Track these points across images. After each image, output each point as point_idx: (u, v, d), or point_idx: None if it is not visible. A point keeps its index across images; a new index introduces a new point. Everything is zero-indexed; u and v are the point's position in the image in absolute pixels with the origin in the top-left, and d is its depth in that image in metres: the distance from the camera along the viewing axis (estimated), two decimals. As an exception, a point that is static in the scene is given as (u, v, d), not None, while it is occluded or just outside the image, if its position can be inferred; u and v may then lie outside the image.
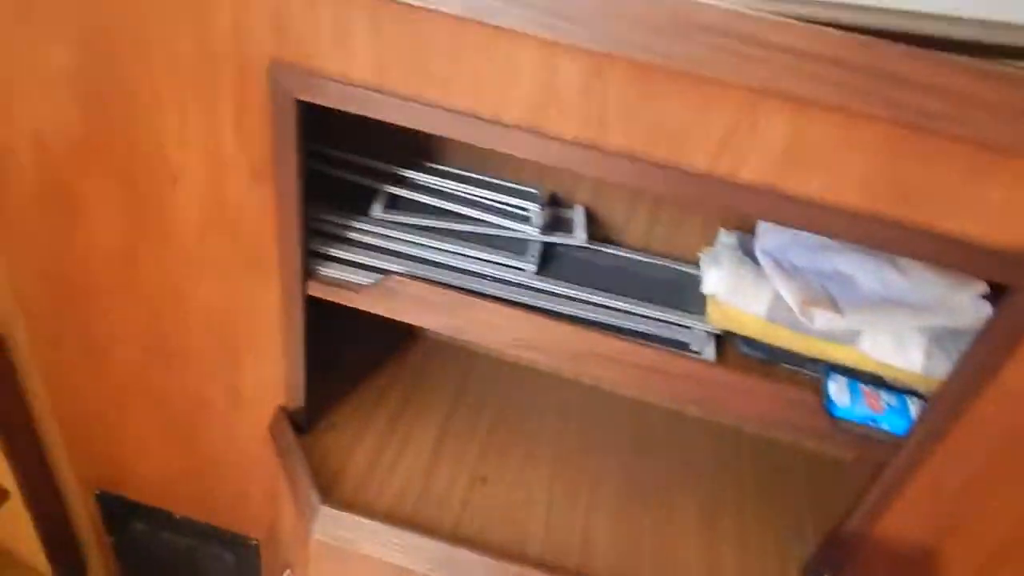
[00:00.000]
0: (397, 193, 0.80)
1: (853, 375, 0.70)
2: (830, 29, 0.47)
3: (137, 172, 0.71)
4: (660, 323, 0.74)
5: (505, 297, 0.73)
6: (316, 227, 0.75)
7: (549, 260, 0.79)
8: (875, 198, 0.54)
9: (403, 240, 0.76)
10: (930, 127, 0.49)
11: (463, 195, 0.81)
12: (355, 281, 0.73)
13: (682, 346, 0.73)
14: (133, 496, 1.06)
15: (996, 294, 0.63)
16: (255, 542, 1.06)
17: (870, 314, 0.67)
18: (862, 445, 0.68)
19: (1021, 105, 0.47)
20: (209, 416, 0.91)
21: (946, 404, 0.63)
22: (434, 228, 0.77)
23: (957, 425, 0.64)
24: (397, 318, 0.73)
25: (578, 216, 0.84)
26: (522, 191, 0.82)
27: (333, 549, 0.75)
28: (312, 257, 0.73)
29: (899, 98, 0.48)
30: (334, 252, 0.75)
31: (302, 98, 0.60)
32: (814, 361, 0.71)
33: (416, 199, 0.80)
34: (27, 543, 1.08)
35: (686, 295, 0.78)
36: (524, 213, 0.80)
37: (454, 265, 0.75)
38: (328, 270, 0.74)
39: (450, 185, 0.81)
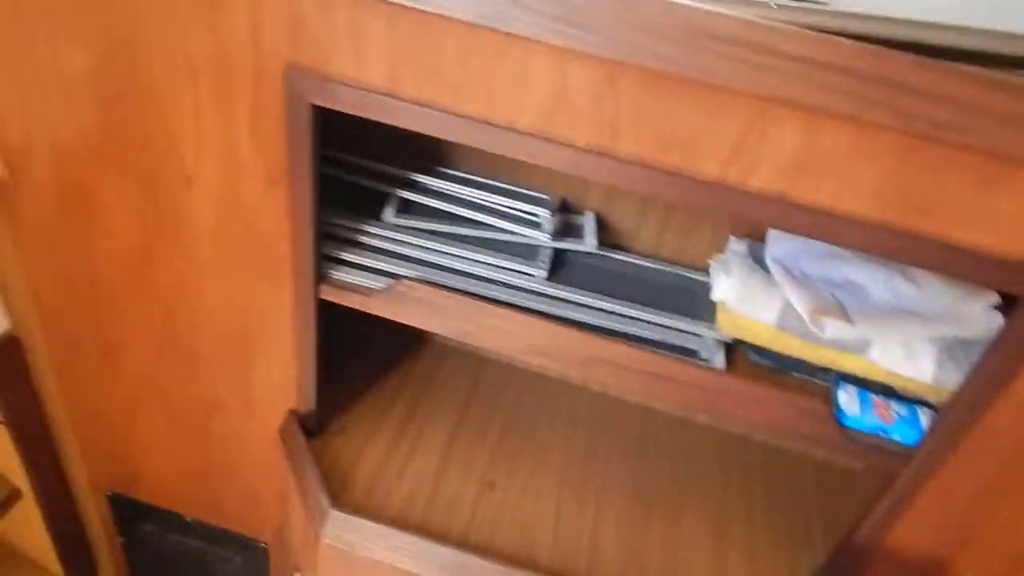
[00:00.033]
0: (409, 198, 0.81)
1: (863, 384, 0.70)
2: (840, 38, 0.48)
3: (153, 174, 0.72)
4: (669, 330, 0.74)
5: (515, 303, 0.74)
6: (329, 231, 0.76)
7: (559, 266, 0.80)
8: (885, 207, 0.54)
9: (414, 245, 0.77)
10: (940, 137, 0.49)
11: (474, 200, 0.81)
12: (367, 285, 0.74)
13: (691, 354, 0.73)
14: (144, 497, 1.07)
15: (1008, 305, 0.63)
16: (264, 545, 1.06)
17: (880, 323, 0.67)
18: (872, 455, 0.68)
19: (1031, 115, 0.47)
20: (220, 418, 0.91)
21: (957, 414, 0.63)
22: (445, 233, 0.78)
23: (969, 436, 0.63)
24: (407, 323, 0.74)
25: (588, 222, 0.84)
26: (533, 197, 0.83)
27: (342, 553, 0.76)
28: (324, 261, 0.74)
29: (909, 107, 0.48)
30: (346, 256, 0.75)
31: (317, 103, 0.61)
32: (824, 370, 0.71)
33: (428, 204, 0.81)
34: (38, 543, 1.09)
35: (696, 302, 0.78)
36: (535, 219, 0.80)
37: (465, 270, 0.76)
38: (340, 274, 0.74)
39: (462, 190, 0.82)
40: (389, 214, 0.79)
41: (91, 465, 1.06)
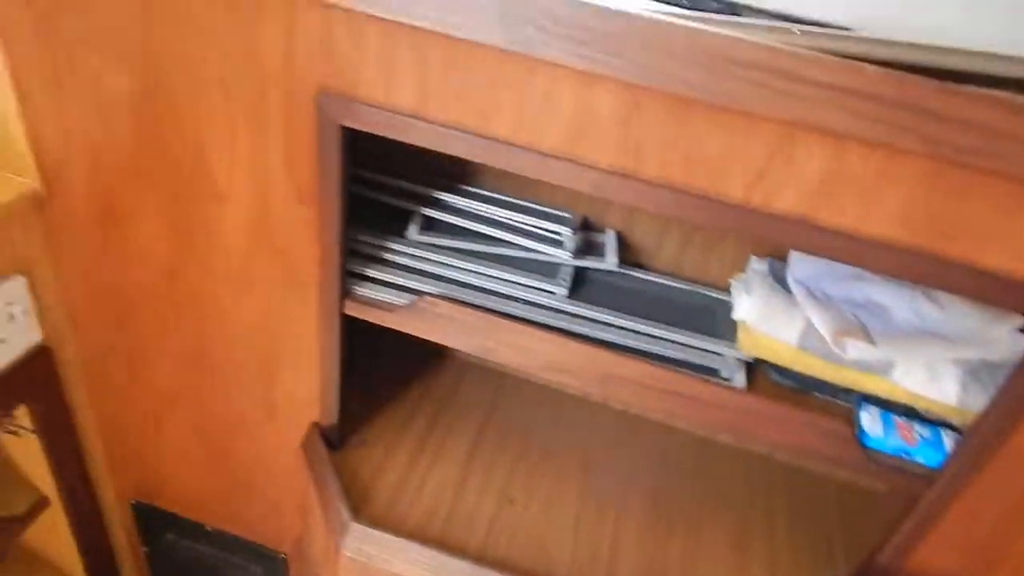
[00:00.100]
0: (432, 215, 0.82)
1: (886, 406, 0.70)
2: (864, 64, 0.48)
3: (185, 192, 0.74)
4: (690, 349, 0.74)
5: (536, 320, 0.74)
6: (354, 248, 0.77)
7: (580, 284, 0.80)
8: (911, 231, 0.54)
9: (437, 262, 0.78)
10: (965, 162, 0.50)
11: (497, 218, 0.82)
12: (390, 301, 0.75)
13: (712, 373, 0.73)
14: (167, 507, 1.09)
15: (1033, 328, 0.62)
16: (284, 556, 1.07)
17: (904, 345, 0.67)
18: (895, 477, 0.68)
19: (1057, 141, 0.47)
20: (244, 431, 0.93)
21: (982, 437, 0.62)
22: (468, 250, 0.79)
23: (994, 459, 0.63)
24: (429, 339, 0.75)
25: (610, 240, 0.85)
26: (555, 215, 0.84)
27: (362, 565, 0.76)
28: (349, 277, 0.75)
29: (933, 133, 0.49)
30: (370, 272, 0.76)
31: (346, 124, 0.63)
32: (846, 391, 0.71)
33: (451, 221, 0.82)
34: (64, 551, 1.10)
35: (717, 321, 0.78)
36: (556, 237, 0.81)
37: (487, 287, 0.77)
38: (364, 290, 0.76)
39: (484, 208, 0.83)
40: (413, 231, 0.80)
41: (117, 474, 1.07)
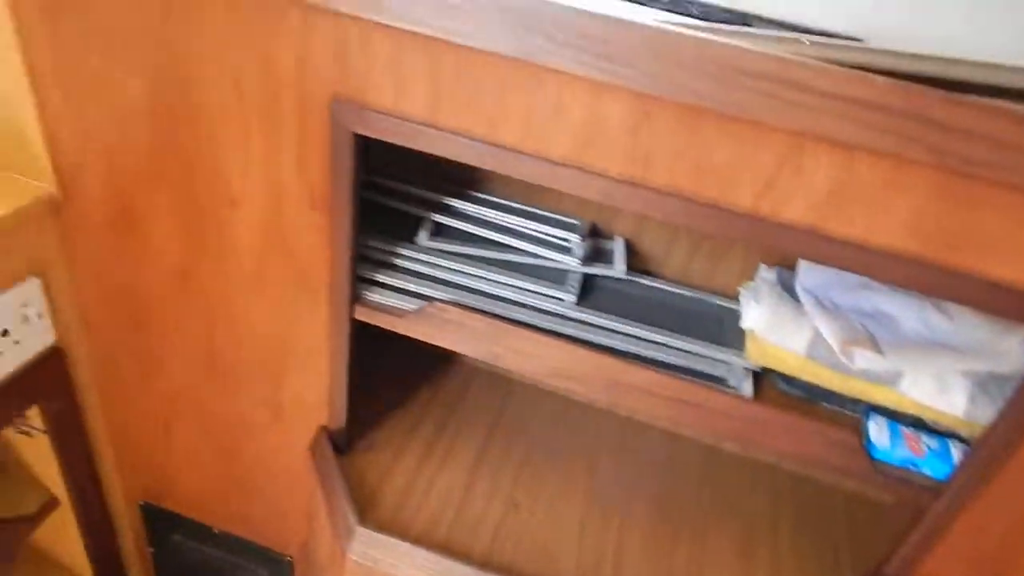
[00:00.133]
0: (442, 221, 0.83)
1: (894, 417, 0.70)
2: (873, 75, 0.49)
3: (199, 196, 0.74)
4: (697, 357, 0.74)
5: (544, 326, 0.75)
6: (364, 253, 0.78)
7: (588, 290, 0.81)
8: (919, 242, 0.55)
9: (447, 268, 0.78)
10: (973, 173, 0.50)
11: (506, 225, 0.83)
12: (400, 307, 0.76)
13: (719, 381, 0.73)
14: (175, 508, 1.09)
15: (1042, 339, 0.62)
16: (289, 559, 1.07)
17: (912, 355, 0.67)
18: (902, 488, 0.67)
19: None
20: (253, 433, 0.93)
21: (990, 450, 0.62)
22: (477, 256, 0.80)
23: (1002, 471, 0.63)
24: (438, 344, 0.75)
25: (618, 248, 0.85)
26: (563, 222, 0.84)
27: (368, 570, 0.77)
28: (359, 282, 0.76)
29: (942, 144, 0.49)
30: (380, 277, 0.77)
31: (359, 131, 0.63)
32: (854, 401, 0.71)
33: (461, 227, 0.82)
34: (72, 551, 1.11)
35: (725, 330, 0.78)
36: (565, 244, 0.81)
37: (495, 293, 0.77)
38: (374, 295, 0.76)
39: (494, 214, 0.83)
40: (423, 237, 0.80)
41: (126, 475, 1.08)
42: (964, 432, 0.67)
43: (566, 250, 0.80)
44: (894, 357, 0.66)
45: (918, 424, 0.69)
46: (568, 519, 0.86)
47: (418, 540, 0.78)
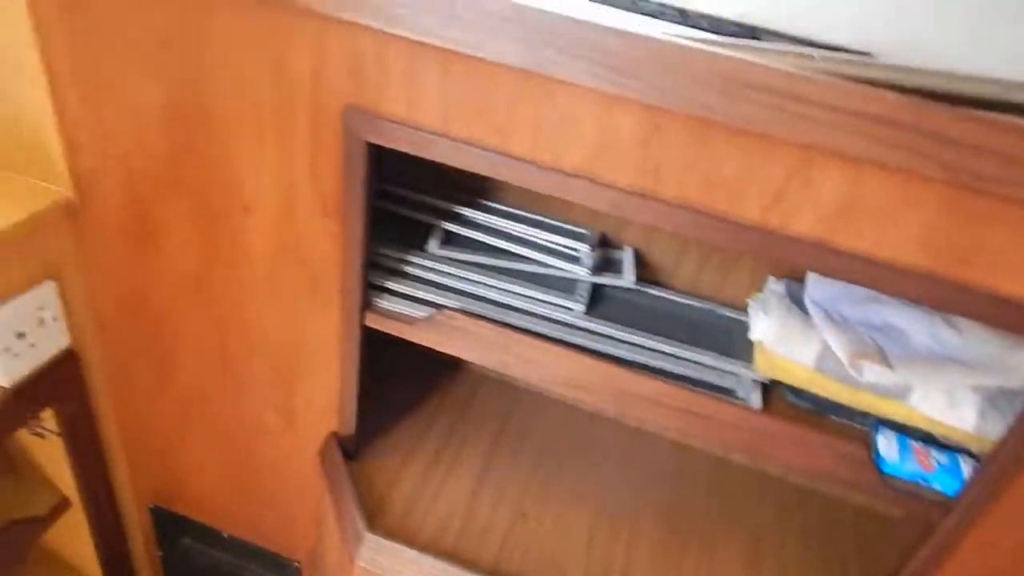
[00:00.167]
0: (453, 230, 0.83)
1: (903, 431, 0.69)
2: (883, 91, 0.49)
3: (213, 202, 0.75)
4: (706, 368, 0.75)
5: (553, 335, 0.75)
6: (375, 260, 0.79)
7: (597, 300, 0.81)
8: (929, 256, 0.55)
9: (457, 276, 0.79)
10: (984, 188, 0.50)
11: (516, 234, 0.83)
12: (410, 314, 0.76)
13: (728, 393, 0.73)
14: (184, 512, 1.10)
15: (1054, 355, 0.62)
16: (297, 564, 1.08)
17: (921, 369, 0.66)
18: (911, 503, 0.67)
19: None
20: (263, 438, 0.94)
21: (1000, 465, 0.62)
22: (487, 265, 0.80)
23: (1012, 487, 0.62)
24: (448, 352, 0.75)
25: (627, 258, 0.86)
26: (573, 231, 0.85)
27: (375, 576, 0.77)
28: (370, 289, 0.77)
29: (951, 159, 0.49)
30: (391, 285, 0.78)
31: (372, 140, 0.64)
32: (863, 414, 0.70)
33: (471, 236, 0.83)
34: (83, 553, 1.12)
35: (733, 341, 0.78)
36: (575, 253, 0.82)
37: (505, 302, 0.78)
38: (385, 302, 0.77)
39: (504, 223, 0.84)
40: (433, 245, 0.81)
41: (137, 478, 1.09)
42: (974, 447, 0.67)
43: (575, 260, 0.81)
44: (903, 371, 0.66)
45: (928, 439, 0.69)
46: (576, 529, 0.86)
47: (426, 547, 0.78)
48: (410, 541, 0.78)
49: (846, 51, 0.56)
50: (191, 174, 0.74)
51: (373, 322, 0.76)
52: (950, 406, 0.65)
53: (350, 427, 0.86)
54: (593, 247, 0.82)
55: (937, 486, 0.66)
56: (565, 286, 0.80)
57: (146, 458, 1.05)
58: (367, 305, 0.76)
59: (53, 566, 1.16)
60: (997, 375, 0.65)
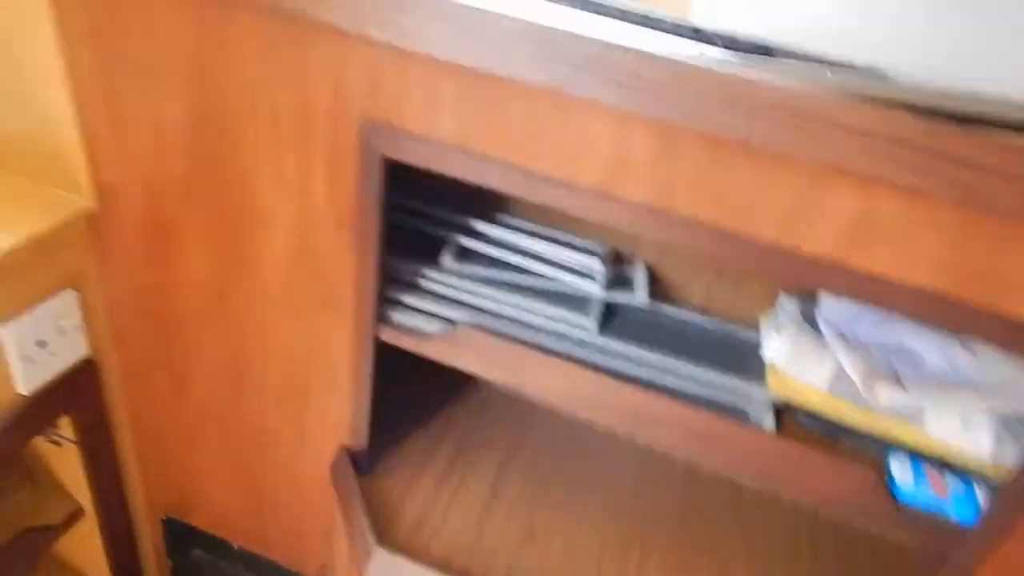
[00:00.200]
0: (467, 245, 0.84)
1: (917, 456, 0.68)
2: (897, 111, 0.49)
3: (231, 214, 0.77)
4: (719, 388, 0.74)
5: (565, 353, 0.75)
6: (389, 274, 0.79)
7: (610, 317, 0.81)
8: (943, 278, 0.54)
9: (470, 291, 0.79)
10: (999, 211, 0.50)
11: (529, 249, 0.83)
12: (423, 329, 0.77)
13: (740, 414, 0.72)
14: (196, 523, 1.11)
15: (1073, 380, 0.61)
16: (306, 578, 1.08)
17: (936, 393, 0.66)
18: (925, 531, 0.66)
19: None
20: (276, 451, 0.94)
21: (1017, 495, 0.61)
22: (501, 281, 0.80)
23: (1028, 517, 0.61)
24: (460, 367, 0.76)
25: (640, 275, 0.86)
26: (586, 248, 0.85)
27: (384, 591, 0.77)
28: (384, 303, 0.77)
29: (967, 181, 0.49)
30: (405, 299, 0.78)
31: (388, 155, 0.65)
32: (876, 439, 0.70)
33: (485, 251, 0.83)
34: (94, 562, 1.13)
35: (746, 360, 0.78)
36: (587, 270, 0.82)
37: (518, 318, 0.78)
38: (399, 316, 0.77)
39: (518, 238, 0.84)
40: (447, 260, 0.81)
41: (150, 488, 1.10)
42: (990, 474, 0.66)
43: (588, 276, 0.81)
44: (917, 393, 0.65)
45: (942, 464, 0.68)
46: (586, 550, 0.85)
47: (435, 564, 0.77)
48: (420, 557, 0.78)
49: (859, 70, 0.56)
50: (210, 187, 0.76)
51: (387, 336, 0.77)
52: (965, 430, 0.64)
53: (362, 441, 0.86)
54: (606, 263, 0.83)
55: (952, 514, 0.65)
56: (578, 303, 0.80)
57: (159, 468, 1.06)
58: (381, 319, 0.77)
59: (64, 574, 1.17)
60: (1012, 400, 0.64)
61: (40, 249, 0.79)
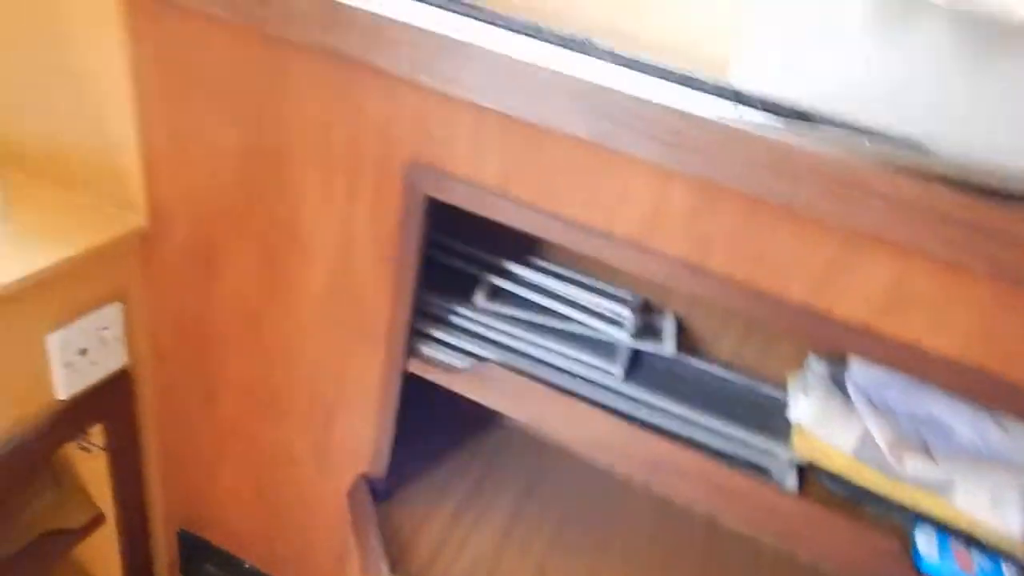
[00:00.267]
0: (500, 285, 0.85)
1: (943, 529, 0.67)
2: (935, 183, 0.50)
3: (277, 241, 0.79)
4: (742, 444, 0.74)
5: (590, 397, 0.76)
6: (422, 308, 0.81)
7: (636, 365, 0.81)
8: (976, 350, 0.54)
9: (500, 330, 0.80)
10: (1034, 288, 0.50)
11: (561, 294, 0.85)
12: (451, 363, 0.78)
13: (763, 472, 0.72)
14: (211, 539, 1.12)
15: (1107, 464, 0.60)
16: (315, 604, 1.08)
17: (965, 466, 0.65)
18: (950, 606, 0.65)
19: None
20: (296, 473, 0.96)
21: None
22: (530, 322, 0.82)
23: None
24: (485, 403, 0.77)
25: (668, 325, 0.86)
26: (616, 296, 0.86)
27: (393, 623, 0.77)
28: (415, 335, 0.79)
29: (1002, 255, 0.49)
30: (436, 333, 0.80)
31: (432, 195, 0.67)
32: (901, 507, 0.69)
33: (517, 292, 0.85)
34: (110, 570, 1.14)
35: (771, 418, 0.78)
36: (617, 317, 0.83)
37: (545, 360, 0.79)
38: (428, 350, 0.79)
39: (550, 282, 0.86)
40: (480, 298, 0.83)
41: (169, 500, 1.11)
42: (1019, 553, 0.64)
43: (617, 324, 0.82)
44: (947, 466, 0.64)
45: (970, 540, 0.67)
46: (598, 598, 0.84)
47: (445, 599, 0.77)
48: (431, 591, 0.78)
49: (897, 140, 0.57)
50: (258, 213, 0.79)
51: (415, 368, 0.78)
52: (994, 508, 0.63)
53: (381, 469, 0.87)
54: (635, 312, 0.83)
55: (978, 591, 0.63)
56: (605, 349, 0.80)
57: (182, 481, 1.08)
58: (411, 351, 0.78)
59: (79, 580, 1.19)
60: (1045, 479, 0.63)
61: (94, 262, 0.83)
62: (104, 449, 0.99)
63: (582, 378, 0.78)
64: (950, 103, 0.53)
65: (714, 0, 0.79)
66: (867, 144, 0.55)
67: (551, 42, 0.65)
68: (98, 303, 0.86)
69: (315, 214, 0.75)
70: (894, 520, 0.69)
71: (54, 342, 0.81)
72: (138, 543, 1.12)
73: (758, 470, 0.72)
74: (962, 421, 0.69)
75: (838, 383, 0.75)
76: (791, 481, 0.71)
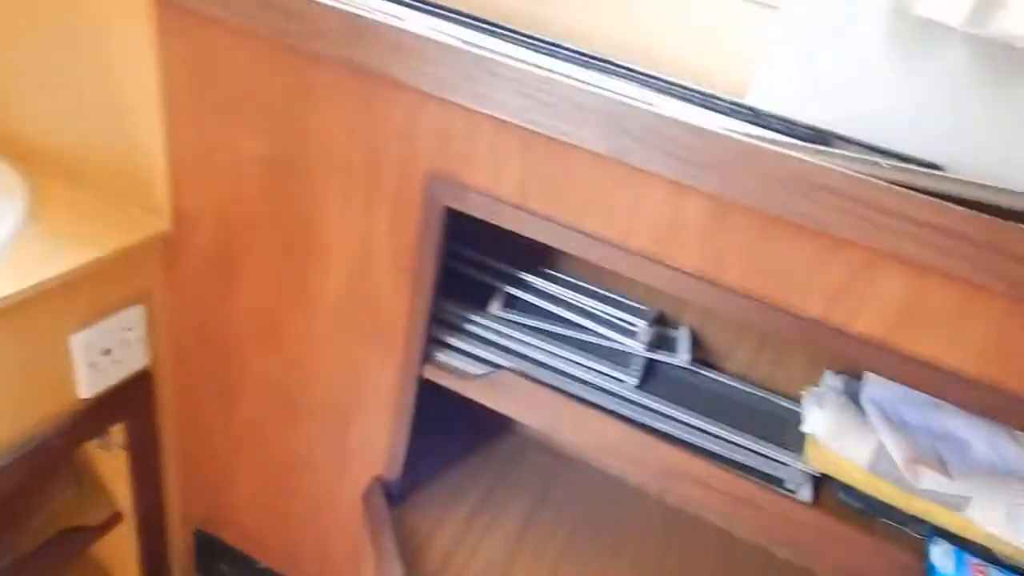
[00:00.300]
0: (515, 294, 0.86)
1: (958, 543, 0.67)
2: (949, 204, 0.50)
3: (296, 247, 0.81)
4: (756, 455, 0.74)
5: (604, 406, 0.76)
6: (439, 316, 0.82)
7: (650, 376, 0.82)
8: (993, 368, 0.54)
9: (515, 339, 0.81)
10: (1051, 306, 0.50)
11: (576, 304, 0.86)
12: (467, 370, 0.79)
13: (777, 482, 0.72)
14: (227, 539, 1.13)
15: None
16: (328, 605, 1.09)
17: (981, 482, 0.65)
18: (963, 621, 0.65)
19: None
20: (311, 476, 0.97)
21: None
22: (546, 331, 0.82)
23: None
24: (500, 410, 0.77)
25: (683, 337, 0.87)
26: (632, 307, 0.86)
27: (407, 625, 0.78)
28: (431, 343, 0.80)
29: (1017, 274, 0.50)
30: (452, 341, 0.81)
31: (451, 206, 0.68)
32: (916, 521, 0.69)
33: (532, 302, 0.86)
34: (126, 568, 1.16)
35: (784, 430, 0.78)
36: (632, 328, 0.83)
37: (560, 368, 0.79)
38: (444, 356, 0.80)
39: (565, 293, 0.86)
40: (495, 307, 0.84)
41: (187, 500, 1.13)
42: (1034, 570, 0.64)
43: (632, 334, 0.82)
44: (962, 481, 0.64)
45: (985, 554, 0.67)
46: (609, 605, 0.85)
47: (458, 603, 0.78)
48: (444, 595, 0.79)
49: (913, 160, 0.57)
50: (279, 221, 0.80)
51: (431, 374, 0.79)
52: (1010, 523, 0.63)
53: (396, 473, 0.88)
54: (650, 323, 0.84)
55: (992, 607, 0.63)
56: (620, 359, 0.81)
57: (199, 482, 1.09)
58: (427, 358, 0.79)
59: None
60: (1061, 497, 0.63)
61: (119, 264, 0.84)
62: (124, 448, 1.00)
63: (596, 387, 0.78)
64: (967, 126, 0.54)
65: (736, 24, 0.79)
66: (883, 164, 0.55)
67: (571, 60, 0.66)
68: (122, 304, 0.88)
69: (336, 223, 0.77)
70: (909, 533, 0.69)
71: (78, 342, 0.83)
72: (155, 541, 1.14)
73: (773, 481, 0.72)
74: (978, 436, 0.69)
75: (853, 398, 0.75)
76: (805, 492, 0.71)
